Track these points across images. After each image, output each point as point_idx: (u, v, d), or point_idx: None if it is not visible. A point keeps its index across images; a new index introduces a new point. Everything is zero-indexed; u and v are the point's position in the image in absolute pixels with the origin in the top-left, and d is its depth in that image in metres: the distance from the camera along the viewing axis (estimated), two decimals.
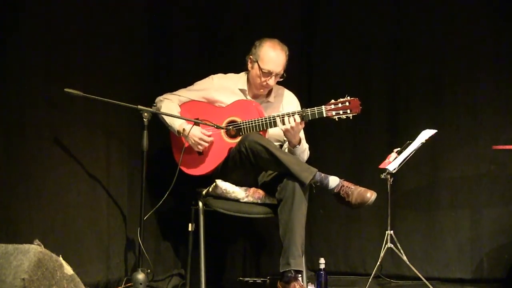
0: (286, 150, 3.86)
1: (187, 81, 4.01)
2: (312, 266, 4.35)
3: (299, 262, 3.52)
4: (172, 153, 3.91)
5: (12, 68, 3.24)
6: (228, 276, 4.50)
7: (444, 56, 4.55)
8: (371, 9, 4.64)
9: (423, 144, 4.00)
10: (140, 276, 3.40)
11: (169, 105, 3.86)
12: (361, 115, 3.69)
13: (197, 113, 3.87)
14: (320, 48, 4.71)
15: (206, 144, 3.80)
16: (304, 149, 3.83)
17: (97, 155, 3.71)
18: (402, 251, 4.06)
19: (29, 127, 3.31)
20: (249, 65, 3.92)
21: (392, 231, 4.04)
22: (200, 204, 3.79)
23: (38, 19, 3.35)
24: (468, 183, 4.48)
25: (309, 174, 3.55)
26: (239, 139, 3.74)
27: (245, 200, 3.76)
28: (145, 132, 3.51)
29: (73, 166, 3.54)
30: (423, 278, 4.05)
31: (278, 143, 3.92)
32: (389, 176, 4.01)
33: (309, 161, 3.85)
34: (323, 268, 3.88)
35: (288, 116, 3.66)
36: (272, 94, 4.00)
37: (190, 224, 3.89)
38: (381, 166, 4.02)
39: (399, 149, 4.05)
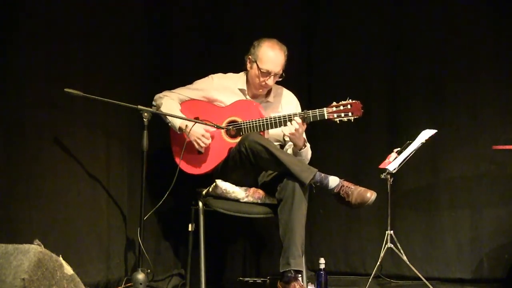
0: (289, 151, 3.86)
1: (187, 81, 4.01)
2: (312, 266, 4.35)
3: (299, 262, 3.52)
4: (171, 153, 3.91)
5: (12, 68, 3.24)
6: (228, 276, 4.50)
7: (444, 56, 4.55)
8: (371, 9, 4.64)
9: (423, 144, 4.00)
10: (140, 276, 3.40)
11: (170, 102, 3.86)
12: (359, 118, 3.69)
13: (197, 112, 3.87)
14: (320, 48, 4.71)
15: (208, 142, 3.79)
16: (308, 149, 3.83)
17: (97, 155, 3.71)
18: (402, 251, 4.06)
19: (29, 127, 3.31)
20: (248, 65, 3.92)
21: (392, 231, 4.04)
22: (200, 204, 3.79)
23: (38, 19, 3.36)
24: (468, 183, 4.48)
25: (309, 174, 3.54)
26: (239, 139, 3.74)
27: (245, 200, 3.76)
28: (145, 132, 3.50)
29: (73, 166, 3.54)
30: (423, 278, 4.05)
31: (278, 143, 3.92)
32: (389, 176, 4.01)
33: (309, 161, 3.85)
34: (323, 268, 3.88)
35: (289, 119, 3.66)
36: (272, 94, 4.00)
37: (190, 224, 3.89)
38: (381, 166, 4.02)
39: (399, 149, 4.05)
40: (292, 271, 3.50)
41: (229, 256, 4.55)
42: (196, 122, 3.75)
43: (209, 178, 3.81)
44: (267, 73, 3.84)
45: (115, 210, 3.81)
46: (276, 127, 3.72)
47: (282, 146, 3.97)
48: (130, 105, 3.52)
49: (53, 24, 3.42)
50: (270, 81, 3.86)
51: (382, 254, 4.03)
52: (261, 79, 3.85)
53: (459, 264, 4.45)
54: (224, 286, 4.45)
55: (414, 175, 4.52)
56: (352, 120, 3.65)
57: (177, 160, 3.81)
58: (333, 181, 3.61)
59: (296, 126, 3.63)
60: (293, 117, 3.66)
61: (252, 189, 3.78)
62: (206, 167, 3.83)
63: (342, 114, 3.64)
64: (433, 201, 4.53)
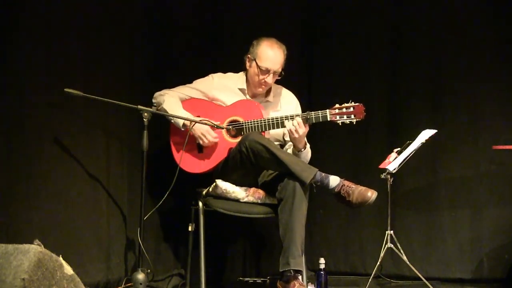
0: (289, 151, 3.87)
1: (187, 81, 4.01)
2: (312, 266, 4.35)
3: (299, 262, 3.52)
4: (171, 152, 3.91)
5: (12, 68, 3.24)
6: (228, 276, 4.50)
7: (444, 56, 4.55)
8: (371, 9, 4.64)
9: (423, 144, 4.00)
10: (140, 276, 3.40)
11: (171, 100, 3.85)
12: (361, 120, 3.69)
13: (198, 111, 3.87)
14: (320, 48, 4.71)
15: (211, 138, 3.78)
16: (308, 151, 3.84)
17: (97, 155, 3.71)
18: (402, 251, 4.06)
19: (29, 127, 3.31)
20: (247, 64, 3.93)
21: (392, 231, 4.04)
22: (200, 204, 3.79)
23: (38, 19, 3.36)
24: (468, 183, 4.48)
25: (309, 173, 3.54)
26: (239, 139, 3.74)
27: (245, 200, 3.76)
28: (145, 132, 3.51)
29: (73, 166, 3.54)
30: (423, 278, 4.05)
31: (278, 143, 3.92)
32: (389, 176, 4.01)
33: (309, 161, 3.85)
34: (323, 268, 3.88)
35: (292, 119, 3.66)
36: (271, 94, 4.01)
37: (190, 224, 3.88)
38: (381, 166, 4.02)
39: (399, 149, 4.05)
40: (292, 271, 3.50)
41: (229, 256, 4.55)
42: (196, 122, 3.74)
43: (209, 178, 3.81)
44: (266, 71, 3.84)
45: (115, 210, 3.81)
46: (278, 127, 3.72)
47: (282, 146, 3.97)
48: (130, 105, 3.52)
49: (53, 24, 3.42)
50: (270, 79, 3.86)
51: (382, 254, 4.03)
52: (261, 77, 3.85)
53: (459, 264, 4.45)
54: (224, 286, 4.45)
55: (414, 175, 4.52)
56: (354, 123, 3.66)
57: (177, 159, 3.81)
58: (334, 180, 3.61)
59: (296, 125, 3.63)
60: (295, 117, 3.66)
61: (252, 189, 3.78)
62: (206, 166, 3.83)
63: (345, 117, 3.65)
64: (433, 201, 4.53)
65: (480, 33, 4.50)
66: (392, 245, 4.03)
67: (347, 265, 4.61)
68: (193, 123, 3.75)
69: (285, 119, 3.69)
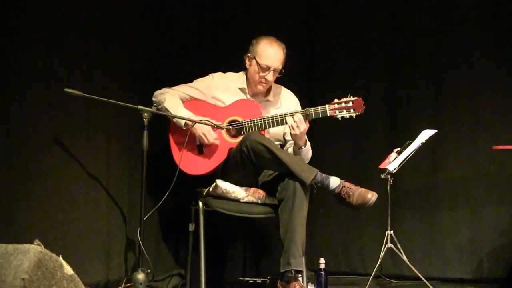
0: (290, 150, 3.87)
1: (187, 81, 4.00)
2: (312, 266, 4.34)
3: (300, 262, 3.52)
4: (171, 154, 3.91)
5: (12, 68, 3.24)
6: (228, 276, 4.50)
7: (444, 56, 4.55)
8: (372, 9, 4.64)
9: (423, 144, 4.00)
10: (140, 276, 3.40)
11: (172, 99, 3.85)
12: (361, 115, 3.69)
13: (198, 112, 3.86)
14: (320, 47, 4.71)
15: (212, 138, 3.78)
16: (308, 149, 3.84)
17: (97, 155, 3.71)
18: (402, 251, 4.06)
19: (29, 127, 3.31)
20: (247, 63, 3.93)
21: (392, 231, 4.04)
22: (200, 204, 3.79)
23: (38, 19, 3.35)
24: (468, 183, 4.48)
25: (310, 174, 3.54)
26: (240, 138, 3.74)
27: (245, 200, 3.76)
28: (145, 132, 3.50)
29: (73, 166, 3.54)
30: (423, 278, 4.05)
31: (279, 143, 3.92)
32: (389, 176, 4.01)
33: (309, 161, 3.85)
34: (323, 268, 3.88)
35: (291, 115, 3.67)
36: (271, 93, 4.01)
37: (190, 224, 3.89)
38: (381, 166, 4.02)
39: (399, 149, 4.05)
40: (292, 271, 3.50)
41: (229, 256, 4.55)
42: (196, 122, 3.74)
43: (209, 178, 3.81)
44: (267, 69, 3.84)
45: (115, 210, 3.80)
46: (277, 125, 3.72)
47: (283, 145, 3.97)
48: (130, 105, 3.51)
49: (53, 24, 3.42)
50: (270, 77, 3.86)
51: (382, 254, 4.02)
52: (261, 74, 3.85)
53: (459, 264, 4.45)
54: (224, 286, 4.45)
55: (414, 175, 4.52)
56: (354, 117, 3.65)
57: (177, 160, 3.81)
58: (334, 181, 3.61)
59: (297, 121, 3.63)
60: (295, 114, 3.66)
61: (253, 189, 3.78)
62: (207, 168, 3.83)
63: (344, 111, 3.65)
64: (433, 201, 4.53)
65: (480, 33, 4.50)
66: (392, 245, 4.03)
67: (347, 265, 4.61)
68: (194, 123, 3.75)
69: (285, 116, 3.69)
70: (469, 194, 4.48)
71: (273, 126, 3.73)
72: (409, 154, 3.98)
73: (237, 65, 4.02)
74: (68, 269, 2.57)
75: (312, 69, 4.72)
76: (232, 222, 4.23)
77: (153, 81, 4.13)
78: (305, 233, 3.57)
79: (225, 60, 4.44)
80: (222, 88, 3.95)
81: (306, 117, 3.66)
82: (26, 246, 2.45)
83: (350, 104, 3.65)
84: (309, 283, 3.92)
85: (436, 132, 4.04)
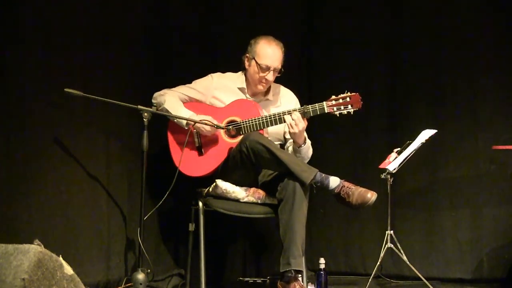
0: (290, 149, 3.87)
1: (187, 81, 4.00)
2: (312, 266, 4.35)
3: (300, 262, 3.52)
4: (170, 155, 3.91)
5: (12, 68, 3.24)
6: (228, 276, 4.50)
7: (444, 56, 4.54)
8: (372, 9, 4.64)
9: (423, 144, 4.00)
10: (140, 276, 3.40)
11: (172, 100, 3.85)
12: (361, 115, 3.69)
13: (198, 113, 3.86)
14: (320, 47, 4.71)
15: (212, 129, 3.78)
16: (308, 147, 3.84)
17: (97, 155, 3.71)
18: (402, 251, 4.06)
19: (29, 127, 3.31)
20: (246, 63, 3.93)
21: (392, 231, 4.04)
22: (200, 204, 3.79)
23: (38, 19, 3.35)
24: (468, 183, 4.48)
25: (309, 174, 3.54)
26: (239, 138, 3.74)
27: (245, 200, 3.76)
28: (145, 132, 3.50)
29: (73, 166, 3.54)
30: (423, 278, 4.05)
31: (279, 143, 3.92)
32: (389, 176, 4.01)
33: (309, 161, 3.85)
34: (323, 268, 3.88)
35: (289, 113, 3.66)
36: (271, 93, 4.01)
37: (190, 224, 3.89)
38: (381, 166, 4.02)
39: (399, 149, 4.05)
40: (292, 271, 3.50)
41: (229, 256, 4.55)
42: (196, 122, 3.74)
43: (209, 178, 3.81)
44: (267, 68, 3.84)
45: (115, 210, 3.80)
46: (275, 124, 3.72)
47: (283, 145, 3.97)
48: (130, 105, 3.52)
49: (53, 24, 3.42)
50: (270, 76, 3.87)
51: (382, 254, 4.03)
52: (261, 74, 3.85)
53: (459, 264, 4.45)
54: (224, 286, 4.45)
55: (414, 175, 4.52)
56: (352, 113, 3.65)
57: (177, 161, 3.81)
58: (334, 181, 3.61)
59: (296, 119, 3.62)
60: (293, 112, 3.66)
61: (252, 189, 3.78)
62: (207, 169, 3.82)
63: (342, 107, 3.64)
64: (433, 201, 4.53)
65: (480, 32, 4.50)
66: (392, 245, 4.03)
67: (347, 265, 4.61)
68: (195, 123, 3.75)
69: (282, 115, 3.68)
70: (469, 194, 4.48)
71: (272, 125, 3.73)
72: (409, 154, 3.98)
73: (237, 65, 4.01)
74: (68, 269, 2.57)
75: (312, 68, 4.72)
76: (232, 222, 4.23)
77: (153, 81, 4.13)
78: (305, 233, 3.57)
79: (225, 60, 4.44)
80: (222, 88, 3.95)
81: (304, 114, 3.66)
82: (26, 246, 2.46)
83: (348, 99, 3.64)
84: (309, 283, 3.92)
85: (436, 132, 4.04)
